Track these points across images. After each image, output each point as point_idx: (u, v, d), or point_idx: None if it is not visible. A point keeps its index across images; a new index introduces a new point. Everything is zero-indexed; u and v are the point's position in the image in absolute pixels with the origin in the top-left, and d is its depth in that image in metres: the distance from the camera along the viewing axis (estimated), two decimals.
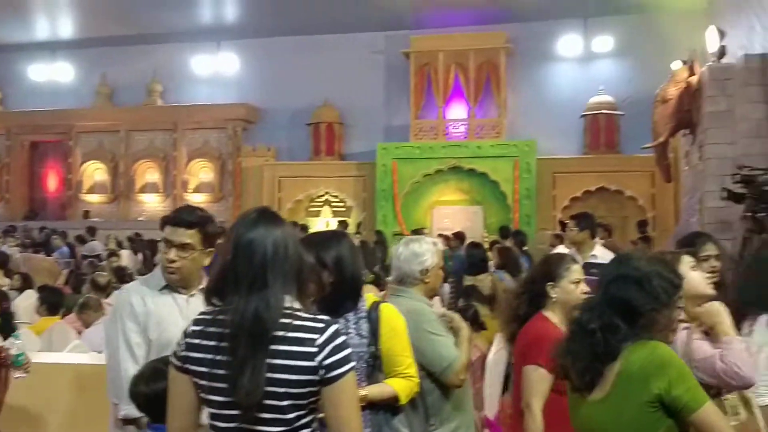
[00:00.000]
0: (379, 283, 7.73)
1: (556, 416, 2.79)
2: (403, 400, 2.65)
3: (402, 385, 2.65)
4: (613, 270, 2.29)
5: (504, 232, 11.71)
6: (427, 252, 3.15)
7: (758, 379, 2.86)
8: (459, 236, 11.54)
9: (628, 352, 2.14)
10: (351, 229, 14.61)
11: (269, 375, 1.82)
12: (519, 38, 16.07)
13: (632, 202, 14.96)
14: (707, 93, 8.96)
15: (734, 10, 11.35)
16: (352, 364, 1.90)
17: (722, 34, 9.65)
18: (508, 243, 9.61)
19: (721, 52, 9.45)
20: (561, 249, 7.24)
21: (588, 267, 3.74)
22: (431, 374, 2.97)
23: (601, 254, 5.47)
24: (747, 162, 7.55)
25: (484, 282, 8.15)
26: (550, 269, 3.15)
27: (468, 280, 7.60)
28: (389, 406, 2.64)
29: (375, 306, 2.69)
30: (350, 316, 2.59)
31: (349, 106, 16.99)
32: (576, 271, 3.12)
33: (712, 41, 9.60)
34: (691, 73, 9.74)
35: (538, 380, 2.91)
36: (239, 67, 18.22)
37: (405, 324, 2.75)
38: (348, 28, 16.52)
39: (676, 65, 10.22)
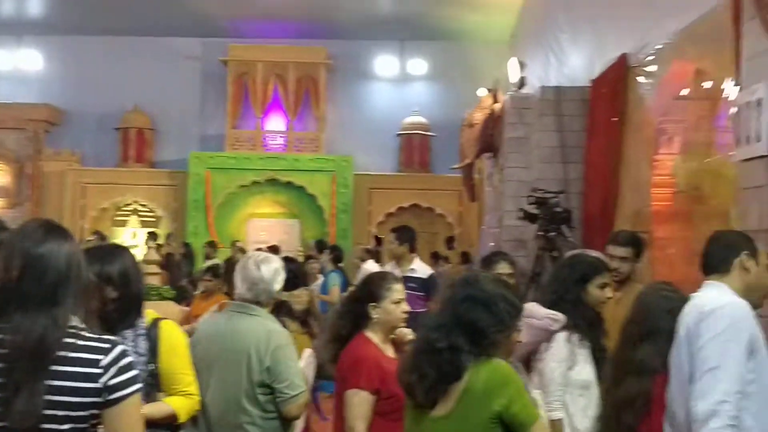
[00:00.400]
0: (185, 298, 7.48)
1: None
2: (183, 418, 2.60)
3: (182, 403, 2.60)
4: (462, 291, 2.33)
5: (320, 246, 11.77)
6: (282, 272, 3.15)
7: (551, 394, 3.05)
8: (274, 249, 11.44)
9: (473, 371, 2.20)
10: (161, 239, 14.02)
11: (48, 398, 1.70)
12: (339, 55, 16.31)
13: (442, 219, 15.65)
14: (508, 120, 9.55)
15: (534, 45, 12.25)
16: (138, 386, 1.82)
17: (523, 65, 10.35)
18: (324, 257, 9.64)
19: (521, 83, 10.13)
20: (370, 264, 7.40)
21: (407, 281, 3.81)
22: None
23: (420, 268, 5.61)
24: (541, 185, 8.11)
25: (300, 297, 8.10)
26: (372, 289, 3.14)
27: (283, 296, 7.53)
28: (169, 425, 2.55)
29: (155, 323, 2.60)
30: (128, 333, 2.48)
31: (161, 113, 16.33)
32: (397, 291, 3.13)
33: (513, 72, 10.27)
34: (495, 101, 10.35)
35: (360, 403, 2.91)
36: (42, 65, 16.93)
37: (185, 342, 2.69)
38: (162, 32, 15.88)
39: (482, 92, 10.83)
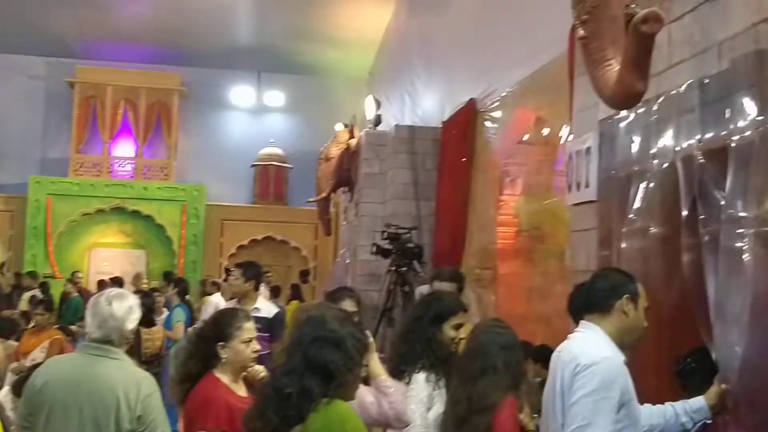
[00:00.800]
0: (14, 332, 6.97)
1: None
2: None
3: None
4: (311, 332, 2.29)
5: (167, 278, 11.39)
6: (137, 309, 2.97)
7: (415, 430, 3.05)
8: (117, 281, 10.93)
9: (314, 414, 2.18)
10: None
11: None
12: (194, 82, 15.99)
13: (296, 252, 15.57)
14: (363, 156, 9.72)
15: (391, 84, 12.60)
16: None
17: (379, 103, 10.59)
18: (170, 290, 9.31)
19: (377, 120, 10.35)
20: (216, 297, 7.18)
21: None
22: None
23: (265, 307, 5.26)
24: (395, 221, 8.28)
25: (156, 334, 7.72)
26: (221, 328, 3.04)
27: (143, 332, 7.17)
28: None
29: None
30: None
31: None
32: (248, 330, 3.04)
33: (370, 109, 10.49)
34: (351, 136, 10.52)
35: None
36: None
37: None
38: (3, 48, 14.91)
39: (339, 127, 10.97)
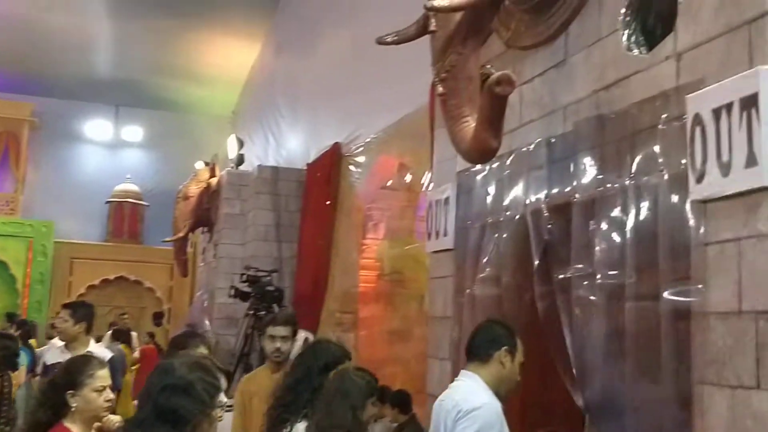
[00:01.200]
0: None
1: None
2: None
3: None
4: (159, 381, 2.24)
5: (10, 319, 10.59)
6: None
7: None
8: None
9: None
10: None
11: None
12: (46, 113, 15.17)
13: (151, 293, 14.97)
14: (224, 195, 9.58)
15: (254, 123, 12.52)
16: None
17: (241, 143, 10.50)
18: (12, 331, 8.65)
19: (240, 160, 10.25)
20: (55, 342, 6.70)
21: None
22: None
23: (99, 352, 4.94)
24: (255, 263, 8.18)
25: (18, 379, 7.06)
26: (71, 376, 2.88)
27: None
28: None
29: None
30: None
31: None
32: (101, 378, 2.90)
33: (232, 148, 10.37)
34: (212, 175, 10.35)
35: None
36: None
37: None
38: None
39: (200, 165, 10.76)
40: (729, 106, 2.18)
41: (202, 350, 3.40)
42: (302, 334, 4.58)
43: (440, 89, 3.00)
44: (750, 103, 2.11)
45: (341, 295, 7.62)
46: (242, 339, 7.51)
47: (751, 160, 2.09)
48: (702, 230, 2.28)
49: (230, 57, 13.37)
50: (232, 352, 7.53)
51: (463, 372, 2.89)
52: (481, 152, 2.94)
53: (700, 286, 2.27)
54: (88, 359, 3.09)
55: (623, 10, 2.81)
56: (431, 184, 4.57)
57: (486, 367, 2.81)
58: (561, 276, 2.93)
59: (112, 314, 12.56)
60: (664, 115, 2.50)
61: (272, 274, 7.87)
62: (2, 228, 14.10)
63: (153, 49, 13.14)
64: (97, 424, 2.97)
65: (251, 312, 7.51)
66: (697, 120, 2.29)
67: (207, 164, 10.60)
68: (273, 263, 8.46)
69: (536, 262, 3.09)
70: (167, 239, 10.97)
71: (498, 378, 2.80)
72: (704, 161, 2.25)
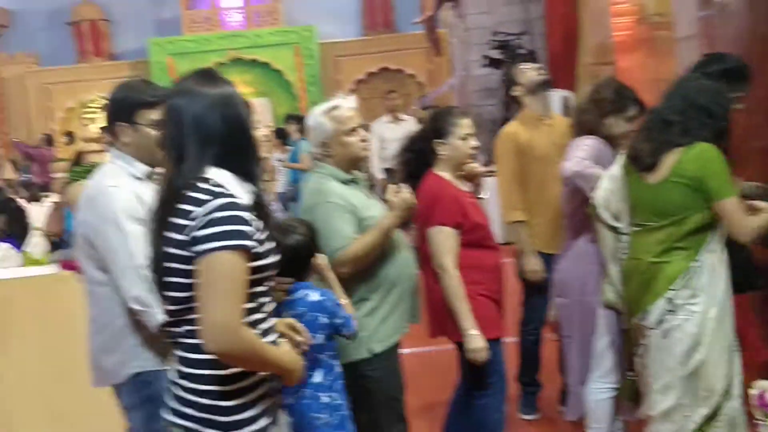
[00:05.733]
0: None
1: (470, 270, 2.84)
2: None
3: None
4: (692, 80, 2.73)
5: (292, 119, 11.58)
6: (319, 124, 2.75)
7: None
8: None
9: (687, 148, 2.53)
10: None
11: (165, 249, 1.72)
12: None
13: (412, 80, 15.41)
14: None
15: None
16: (230, 242, 1.65)
17: None
18: (292, 128, 9.49)
19: None
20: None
21: None
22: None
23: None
24: (503, 29, 7.97)
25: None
26: (437, 126, 3.00)
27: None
28: None
29: None
30: None
31: (111, 1, 15.70)
32: (464, 126, 2.97)
33: None
34: None
35: (445, 239, 2.86)
36: None
37: None
38: None
39: None
40: None
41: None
42: (560, 93, 4.37)
43: None
44: None
45: (594, 47, 7.20)
46: (503, 106, 7.53)
47: None
48: None
49: None
50: (494, 120, 7.61)
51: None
52: None
53: None
54: (450, 110, 3.12)
55: None
56: None
57: None
58: None
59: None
60: None
61: (521, 37, 7.63)
62: (270, 38, 15.17)
63: None
64: (461, 172, 3.05)
65: (506, 78, 7.43)
66: None
67: None
68: (521, 26, 8.18)
69: None
70: (416, 21, 11.03)
71: None
72: None
